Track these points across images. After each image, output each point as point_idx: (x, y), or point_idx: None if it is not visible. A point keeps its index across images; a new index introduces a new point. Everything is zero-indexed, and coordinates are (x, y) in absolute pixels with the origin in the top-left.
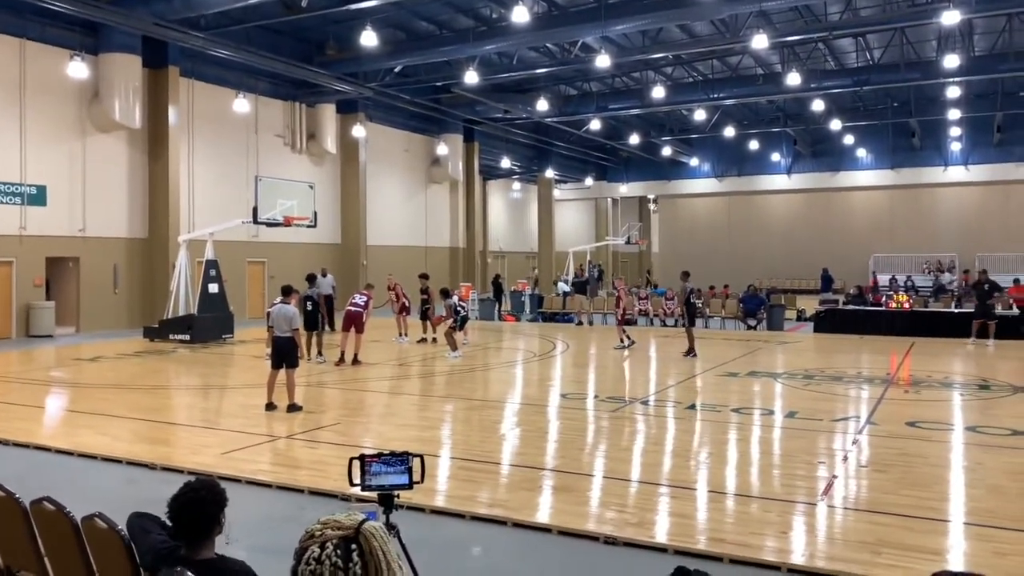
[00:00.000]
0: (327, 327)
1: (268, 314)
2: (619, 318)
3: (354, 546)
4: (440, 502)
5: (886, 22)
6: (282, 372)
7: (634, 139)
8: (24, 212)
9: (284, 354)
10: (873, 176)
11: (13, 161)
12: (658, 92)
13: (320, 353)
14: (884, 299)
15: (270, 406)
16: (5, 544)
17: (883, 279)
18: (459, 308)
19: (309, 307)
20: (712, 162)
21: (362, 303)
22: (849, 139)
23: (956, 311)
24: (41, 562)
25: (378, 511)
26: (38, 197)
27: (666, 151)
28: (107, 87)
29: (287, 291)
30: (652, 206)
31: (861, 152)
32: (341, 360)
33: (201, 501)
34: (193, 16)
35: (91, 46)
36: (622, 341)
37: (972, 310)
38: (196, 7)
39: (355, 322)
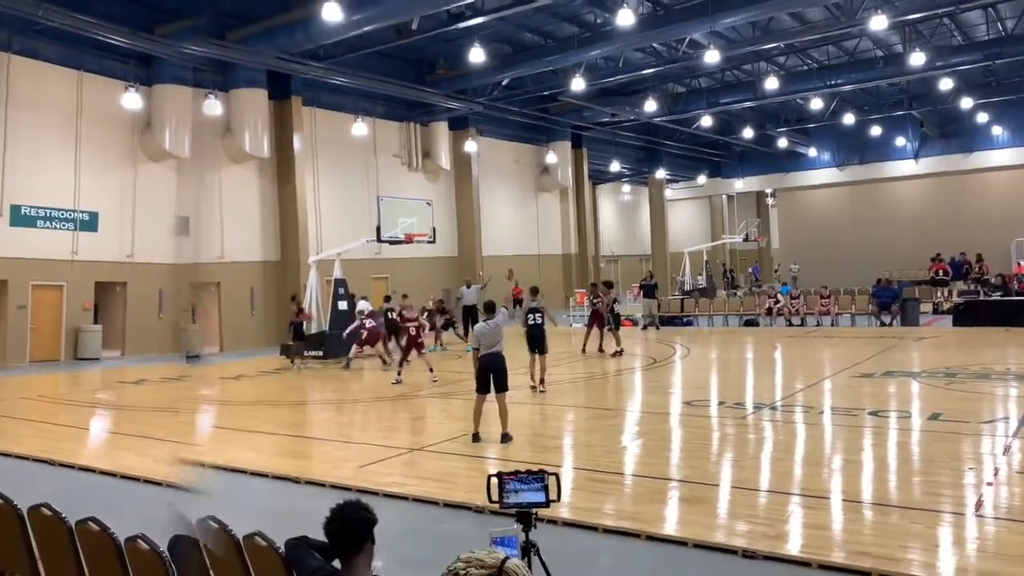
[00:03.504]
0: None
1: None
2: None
3: None
4: (570, 514)
5: None
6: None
7: (748, 133)
8: (76, 237)
9: (494, 374)
10: (1011, 155)
11: (67, 188)
12: (771, 83)
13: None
14: None
15: (476, 437)
16: (49, 563)
17: None
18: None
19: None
20: (832, 151)
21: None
22: (982, 117)
23: None
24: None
25: (517, 529)
26: (90, 223)
27: (782, 143)
28: (238, 121)
29: (491, 307)
30: (770, 200)
31: (996, 130)
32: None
33: (352, 521)
34: (312, 48)
35: (223, 83)
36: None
37: None
38: (315, 38)
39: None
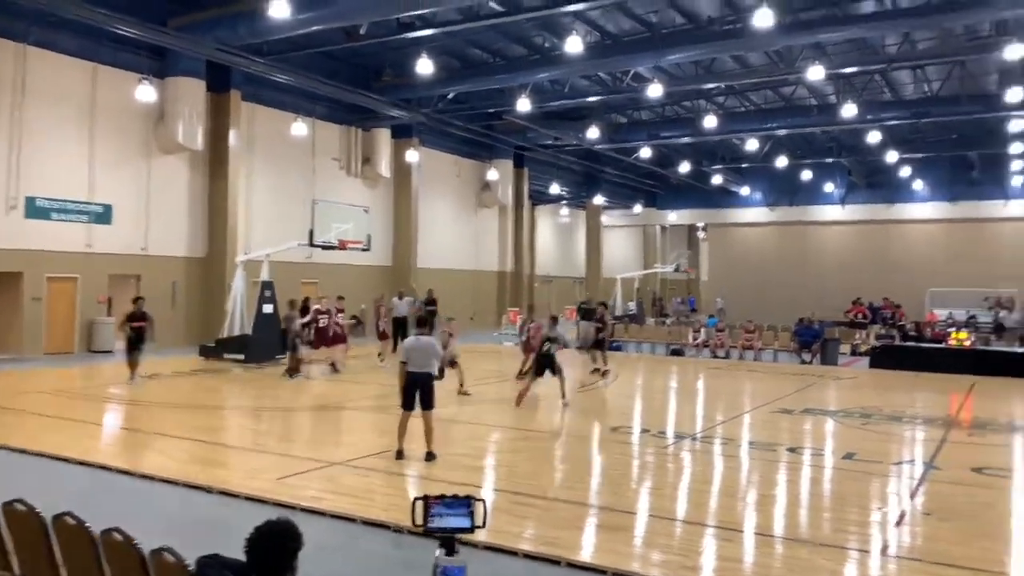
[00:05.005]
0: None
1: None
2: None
3: None
4: (490, 538)
5: (946, 55)
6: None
7: (684, 167)
8: (90, 230)
9: (421, 393)
10: (930, 209)
11: (82, 180)
12: (710, 121)
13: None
14: (944, 335)
15: (400, 454)
16: (73, 572)
17: (941, 314)
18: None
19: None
20: (764, 191)
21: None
22: (906, 171)
23: (1020, 351)
24: None
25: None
26: (104, 216)
27: (716, 179)
28: (172, 110)
29: (423, 322)
30: (701, 234)
31: (918, 184)
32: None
33: (279, 545)
34: (256, 42)
35: (158, 70)
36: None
37: None
38: (259, 34)
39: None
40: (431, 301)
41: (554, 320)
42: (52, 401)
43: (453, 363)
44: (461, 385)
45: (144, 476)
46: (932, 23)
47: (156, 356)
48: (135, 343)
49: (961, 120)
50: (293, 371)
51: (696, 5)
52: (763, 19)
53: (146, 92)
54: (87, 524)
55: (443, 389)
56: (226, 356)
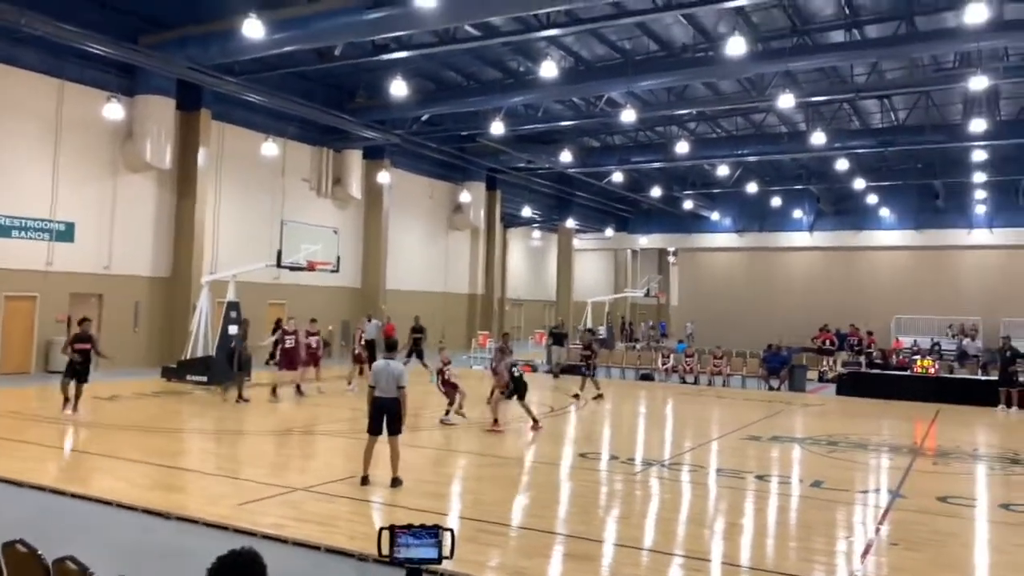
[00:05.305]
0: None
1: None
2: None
3: None
4: (456, 567)
5: (912, 85)
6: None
7: (655, 192)
8: (52, 248)
9: (388, 418)
10: (896, 236)
11: (44, 198)
12: (682, 147)
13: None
14: (908, 363)
15: (365, 480)
16: None
17: (906, 341)
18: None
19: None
20: (733, 217)
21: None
22: (872, 198)
23: (983, 378)
24: None
25: None
26: (66, 234)
27: (687, 204)
28: (140, 128)
29: (393, 346)
30: (671, 259)
31: (884, 212)
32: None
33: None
34: (228, 62)
35: (127, 88)
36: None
37: (996, 377)
38: (231, 53)
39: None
40: (418, 329)
41: (501, 351)
42: (6, 423)
43: (455, 386)
44: (450, 407)
45: (100, 501)
46: (899, 53)
47: (118, 378)
48: (79, 369)
49: (927, 149)
50: (239, 396)
51: (669, 32)
52: (735, 47)
53: (114, 110)
54: (40, 552)
55: (429, 410)
56: (189, 378)
